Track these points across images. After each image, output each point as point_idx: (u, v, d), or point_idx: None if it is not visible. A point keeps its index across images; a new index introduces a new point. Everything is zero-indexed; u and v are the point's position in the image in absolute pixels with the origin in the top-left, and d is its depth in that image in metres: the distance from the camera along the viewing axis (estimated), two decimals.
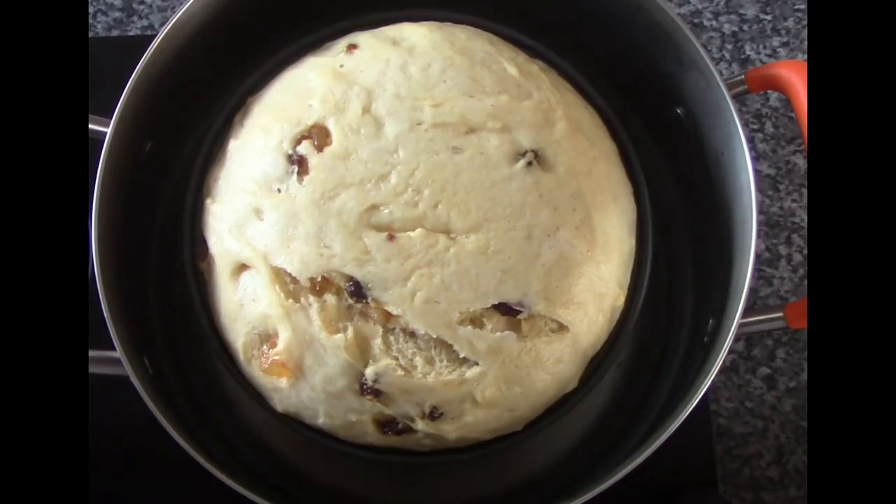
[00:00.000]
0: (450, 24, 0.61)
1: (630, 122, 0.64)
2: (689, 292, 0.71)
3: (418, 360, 0.53)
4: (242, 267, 0.56)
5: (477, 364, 0.53)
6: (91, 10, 0.81)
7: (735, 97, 0.60)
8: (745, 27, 0.81)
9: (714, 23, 0.81)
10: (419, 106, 0.55)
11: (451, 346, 0.53)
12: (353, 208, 0.53)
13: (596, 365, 0.59)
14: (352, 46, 0.59)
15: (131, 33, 0.80)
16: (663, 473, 0.69)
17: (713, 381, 0.56)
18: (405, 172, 0.53)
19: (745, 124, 0.79)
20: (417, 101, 0.55)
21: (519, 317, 0.54)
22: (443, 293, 0.52)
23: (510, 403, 0.55)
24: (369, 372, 0.53)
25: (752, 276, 0.57)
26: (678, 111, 0.66)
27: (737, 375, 0.74)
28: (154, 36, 0.59)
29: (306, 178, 0.54)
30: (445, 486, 0.70)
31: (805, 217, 0.77)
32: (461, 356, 0.53)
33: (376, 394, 0.53)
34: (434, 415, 0.54)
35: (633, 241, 0.59)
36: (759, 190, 0.72)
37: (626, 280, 0.59)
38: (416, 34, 0.58)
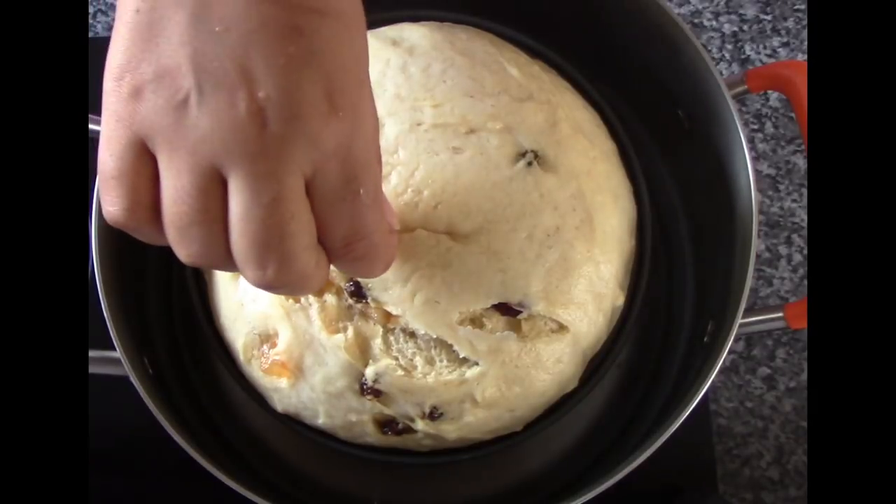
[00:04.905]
0: (450, 24, 0.61)
1: (630, 122, 0.64)
2: (689, 292, 0.71)
3: (418, 360, 0.53)
4: None
5: (477, 364, 0.53)
6: (91, 10, 0.81)
7: (735, 97, 0.60)
8: (745, 27, 0.81)
9: (714, 23, 0.81)
10: (419, 106, 0.55)
11: (451, 346, 0.53)
12: None
13: (596, 365, 0.59)
14: None
15: None
16: (663, 473, 0.69)
17: (713, 381, 0.56)
18: (405, 173, 0.53)
19: (745, 124, 0.79)
20: (418, 102, 0.55)
21: (519, 317, 0.54)
22: (443, 293, 0.52)
23: (510, 403, 0.55)
24: (369, 372, 0.53)
25: (752, 276, 0.57)
26: (678, 111, 0.66)
27: (737, 375, 0.74)
28: None
29: None
30: (445, 486, 0.70)
31: (805, 217, 0.77)
32: (461, 356, 0.53)
33: (376, 394, 0.53)
34: (434, 415, 0.54)
35: (633, 241, 0.59)
36: (759, 190, 0.72)
37: (626, 280, 0.59)
38: (417, 34, 0.58)
